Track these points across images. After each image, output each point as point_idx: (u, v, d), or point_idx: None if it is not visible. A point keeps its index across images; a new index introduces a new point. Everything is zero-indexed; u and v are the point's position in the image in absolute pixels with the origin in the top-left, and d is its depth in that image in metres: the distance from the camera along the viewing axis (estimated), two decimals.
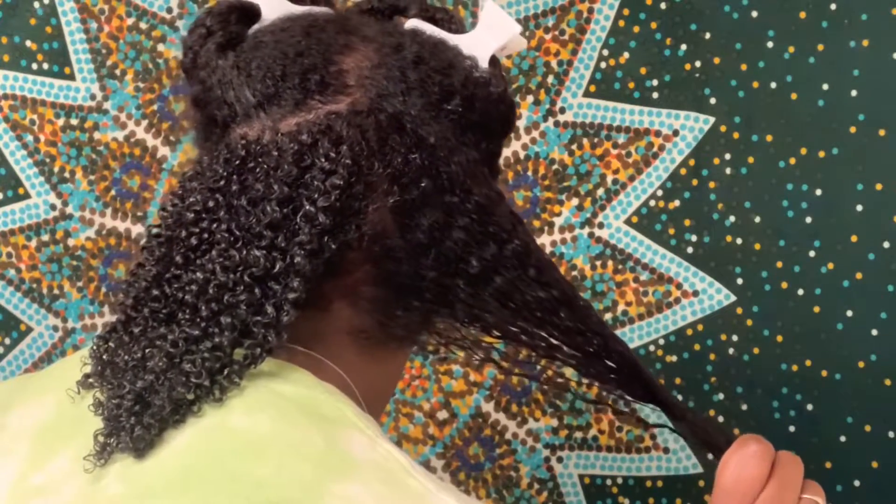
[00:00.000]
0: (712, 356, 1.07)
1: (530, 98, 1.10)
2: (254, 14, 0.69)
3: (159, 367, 0.59)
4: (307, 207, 0.61)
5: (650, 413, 1.10)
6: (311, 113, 0.63)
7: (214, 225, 0.62)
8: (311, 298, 0.62)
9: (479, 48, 0.68)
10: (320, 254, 0.61)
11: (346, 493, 0.55)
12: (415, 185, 0.63)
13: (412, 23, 0.69)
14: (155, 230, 0.64)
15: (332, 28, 0.66)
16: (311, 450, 0.57)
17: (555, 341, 0.68)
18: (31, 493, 0.61)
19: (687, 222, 1.07)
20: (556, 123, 1.10)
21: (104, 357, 0.63)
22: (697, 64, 1.05)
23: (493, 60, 0.69)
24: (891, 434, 1.02)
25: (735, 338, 1.07)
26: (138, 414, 0.59)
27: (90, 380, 0.63)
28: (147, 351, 0.61)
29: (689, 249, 1.07)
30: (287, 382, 0.61)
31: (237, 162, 0.62)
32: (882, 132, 1.01)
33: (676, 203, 1.07)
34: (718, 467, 0.67)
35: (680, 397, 1.08)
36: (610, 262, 1.10)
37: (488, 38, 0.68)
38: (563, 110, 1.10)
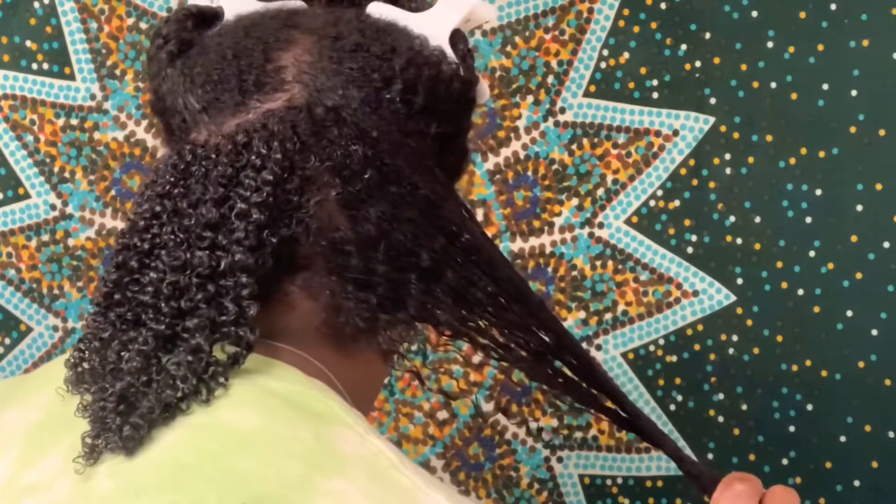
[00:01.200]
0: (712, 356, 1.07)
1: (530, 98, 1.10)
2: (214, 18, 0.69)
3: (134, 367, 0.60)
4: (240, 205, 0.61)
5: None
6: (251, 113, 0.63)
7: (162, 229, 0.62)
8: (274, 294, 0.63)
9: (438, 25, 0.67)
10: (261, 248, 0.61)
11: (334, 489, 0.56)
12: (358, 178, 0.63)
13: (373, 7, 0.68)
14: (118, 239, 0.65)
15: (274, 24, 0.66)
16: (299, 445, 0.57)
17: (505, 340, 0.67)
18: (23, 491, 0.61)
19: (687, 222, 1.07)
20: (556, 123, 1.10)
21: (82, 364, 0.63)
22: (697, 64, 1.05)
23: (458, 37, 0.68)
24: (891, 434, 1.02)
25: (735, 338, 1.07)
26: (123, 414, 0.59)
27: (72, 387, 0.63)
28: (122, 353, 0.61)
29: (689, 249, 1.07)
30: (275, 379, 0.61)
31: (182, 167, 0.63)
32: (882, 132, 1.01)
33: (676, 203, 1.07)
34: None
35: (680, 397, 1.08)
36: (610, 262, 1.10)
37: (448, 13, 0.67)
38: (563, 110, 1.10)
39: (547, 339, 0.68)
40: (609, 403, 0.71)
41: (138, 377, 0.60)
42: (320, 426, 0.59)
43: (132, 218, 0.65)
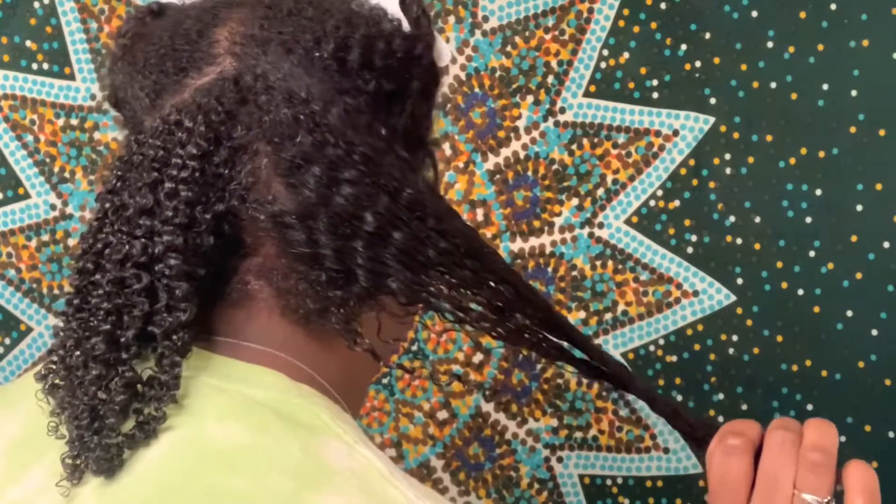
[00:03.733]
0: (712, 356, 1.07)
1: (530, 98, 1.10)
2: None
3: (95, 377, 0.58)
4: (168, 185, 0.60)
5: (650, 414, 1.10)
6: (186, 92, 0.62)
7: (113, 227, 0.61)
8: (232, 285, 0.62)
9: None
10: (194, 227, 0.60)
11: None
12: (290, 142, 0.60)
13: None
14: (80, 244, 0.64)
15: (213, 2, 0.65)
16: (288, 461, 0.56)
17: (465, 302, 0.64)
18: None
19: (687, 222, 1.07)
20: (556, 123, 1.10)
21: (51, 377, 0.62)
22: (697, 64, 1.05)
23: (408, 1, 0.67)
24: (891, 434, 1.02)
25: (735, 338, 1.07)
26: (99, 432, 0.58)
27: (47, 402, 0.61)
28: (87, 364, 0.59)
29: (689, 249, 1.07)
30: (259, 387, 0.60)
31: (126, 158, 0.62)
32: (882, 132, 1.01)
33: (676, 203, 1.07)
34: (706, 460, 0.64)
35: (680, 397, 1.08)
36: (610, 262, 1.10)
37: None
38: (563, 110, 1.10)
39: (504, 291, 0.65)
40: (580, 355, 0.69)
41: (100, 387, 0.58)
42: (308, 438, 0.58)
43: (89, 220, 0.63)
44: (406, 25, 0.67)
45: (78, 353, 0.60)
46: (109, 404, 0.58)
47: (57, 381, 0.61)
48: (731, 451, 0.62)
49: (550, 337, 0.67)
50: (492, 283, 0.64)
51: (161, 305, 0.59)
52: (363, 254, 0.61)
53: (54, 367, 0.62)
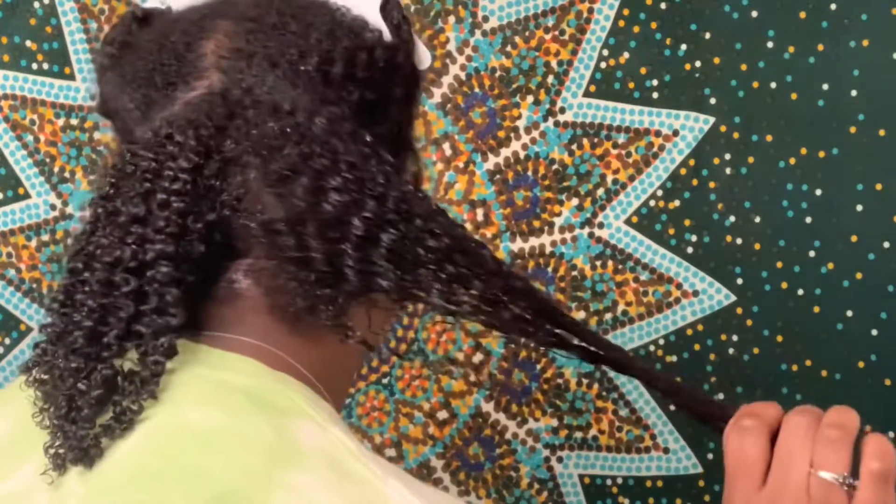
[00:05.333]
0: (712, 356, 1.07)
1: (530, 98, 1.10)
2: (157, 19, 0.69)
3: (73, 368, 0.60)
4: (160, 196, 0.61)
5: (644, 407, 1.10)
6: (176, 105, 0.64)
7: (105, 230, 0.63)
8: (219, 284, 0.63)
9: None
10: (185, 235, 0.61)
11: (294, 482, 0.56)
12: (277, 154, 0.62)
13: None
14: (71, 245, 0.66)
15: (199, 14, 0.67)
16: (260, 441, 0.58)
17: (456, 296, 0.65)
18: (2, 500, 0.62)
19: (687, 222, 1.07)
20: (556, 123, 1.10)
21: (34, 369, 0.64)
22: (697, 64, 1.05)
23: (390, 5, 0.68)
24: (891, 434, 1.02)
25: (735, 338, 1.07)
26: (75, 422, 0.59)
27: (34, 393, 0.63)
28: (68, 357, 0.61)
29: (689, 249, 1.07)
30: (234, 372, 0.62)
31: (120, 167, 0.64)
32: (882, 132, 1.01)
33: (676, 203, 1.07)
34: (723, 442, 0.65)
35: None
36: (610, 262, 1.10)
37: None
38: (563, 110, 1.10)
39: (495, 284, 0.66)
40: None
41: (78, 379, 0.60)
42: (281, 420, 0.59)
43: (83, 223, 0.65)
44: (387, 33, 0.68)
45: (61, 346, 0.62)
46: (86, 396, 0.60)
47: (42, 373, 0.63)
48: (746, 432, 0.63)
49: (546, 325, 0.68)
50: (482, 277, 0.65)
51: (150, 308, 0.61)
52: (353, 255, 0.63)
53: (38, 359, 0.64)
